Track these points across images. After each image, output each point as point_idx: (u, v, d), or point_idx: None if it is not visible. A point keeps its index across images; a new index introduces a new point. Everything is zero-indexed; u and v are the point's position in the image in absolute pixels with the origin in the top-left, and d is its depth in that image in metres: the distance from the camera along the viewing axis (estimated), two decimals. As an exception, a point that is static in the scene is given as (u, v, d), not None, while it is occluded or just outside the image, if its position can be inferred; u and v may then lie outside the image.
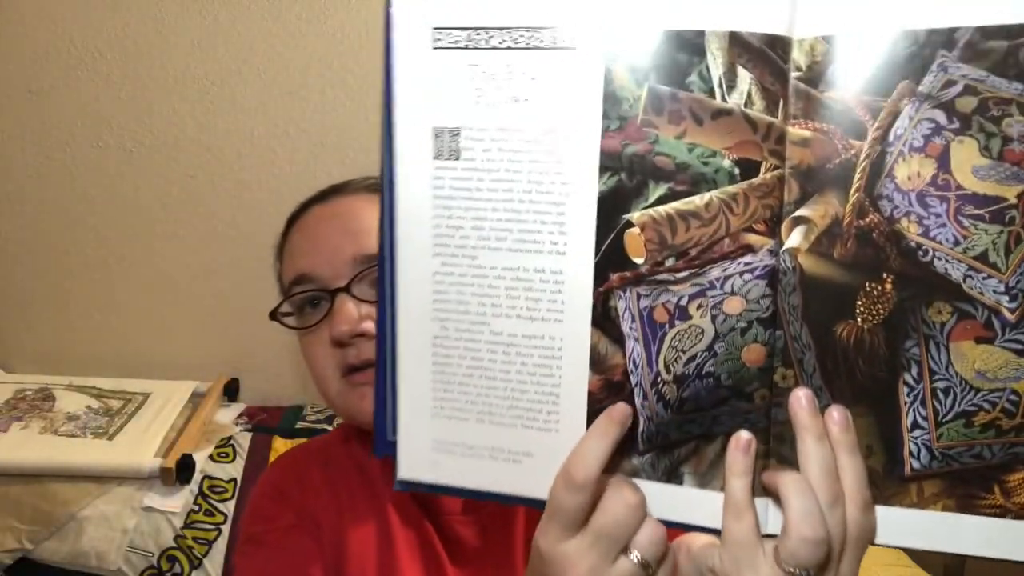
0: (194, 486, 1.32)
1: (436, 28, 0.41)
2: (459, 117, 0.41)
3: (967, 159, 0.36)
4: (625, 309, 0.42)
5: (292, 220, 0.68)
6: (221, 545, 1.27)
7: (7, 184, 1.59)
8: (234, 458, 1.38)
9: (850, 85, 0.38)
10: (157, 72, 1.54)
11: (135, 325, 1.64)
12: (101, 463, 1.27)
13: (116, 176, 1.59)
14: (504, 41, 0.40)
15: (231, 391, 1.60)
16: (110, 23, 1.52)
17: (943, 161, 0.37)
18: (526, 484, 0.43)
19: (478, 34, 0.40)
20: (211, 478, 1.33)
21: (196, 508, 1.29)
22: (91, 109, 1.56)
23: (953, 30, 0.36)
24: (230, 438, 1.41)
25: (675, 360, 0.41)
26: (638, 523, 0.40)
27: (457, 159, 0.42)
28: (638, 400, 0.42)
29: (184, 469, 1.30)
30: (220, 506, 1.30)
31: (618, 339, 0.42)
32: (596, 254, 0.41)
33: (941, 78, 0.36)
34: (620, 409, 0.41)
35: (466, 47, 0.41)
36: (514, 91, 0.41)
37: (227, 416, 1.49)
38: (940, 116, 0.37)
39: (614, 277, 0.41)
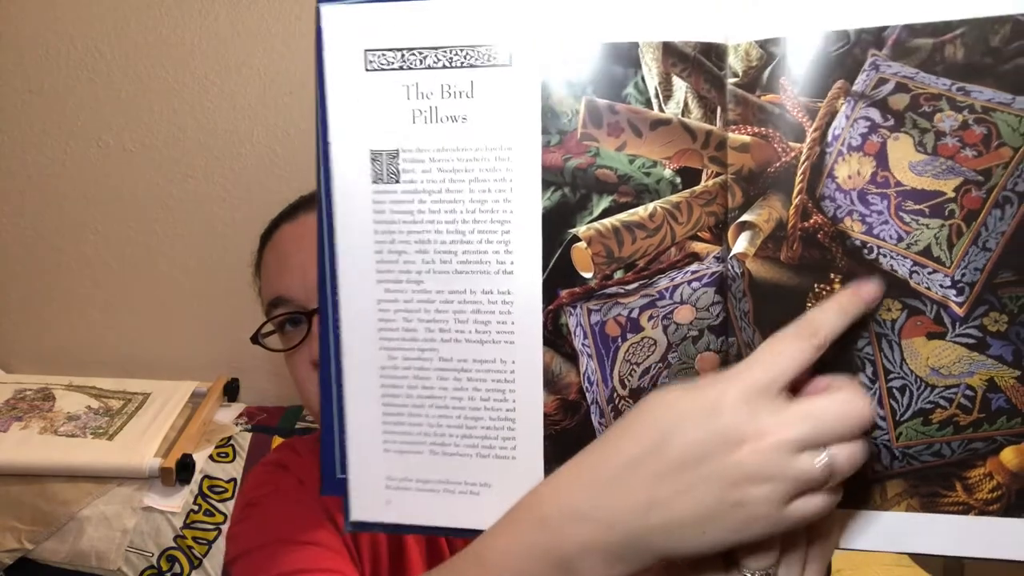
0: (194, 486, 1.31)
1: (368, 50, 0.40)
2: (397, 139, 0.40)
3: (904, 155, 0.36)
4: (576, 325, 0.41)
5: (264, 239, 0.68)
6: (221, 545, 1.27)
7: (7, 184, 1.59)
8: (234, 458, 1.38)
9: (786, 88, 0.38)
10: (157, 72, 1.54)
11: (135, 325, 1.64)
12: (101, 463, 1.26)
13: (116, 176, 1.59)
14: (439, 61, 0.40)
15: (231, 391, 1.60)
16: (110, 23, 1.52)
17: (881, 158, 0.37)
18: (485, 516, 0.41)
19: (412, 54, 0.40)
20: (211, 478, 1.33)
21: (196, 508, 1.29)
22: (91, 109, 1.56)
23: (882, 29, 0.36)
24: (230, 438, 1.41)
25: (630, 374, 0.40)
26: (851, 435, 0.33)
27: (397, 182, 0.41)
28: (595, 418, 0.41)
29: (184, 469, 1.30)
30: (220, 506, 1.30)
31: (571, 357, 0.41)
32: (544, 271, 0.40)
33: (873, 76, 0.37)
34: (870, 289, 0.36)
35: (400, 68, 0.40)
36: (451, 110, 0.40)
37: (227, 416, 1.49)
38: (875, 114, 0.37)
39: (563, 293, 0.40)
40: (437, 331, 0.41)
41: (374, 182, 0.41)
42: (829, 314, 0.35)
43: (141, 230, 1.60)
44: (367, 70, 0.40)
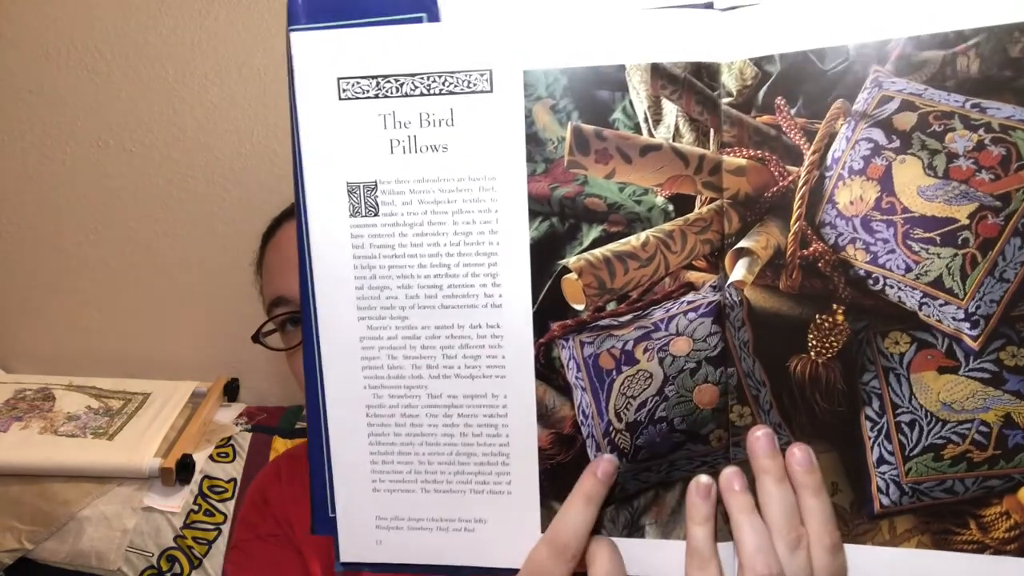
0: (194, 486, 1.32)
1: (342, 78, 0.38)
2: (374, 170, 0.39)
3: (911, 179, 0.34)
4: (569, 358, 0.39)
5: (266, 238, 0.67)
6: (221, 545, 1.27)
7: (7, 184, 1.58)
8: (234, 458, 1.38)
9: (782, 108, 0.36)
10: (157, 72, 1.53)
11: (135, 325, 1.64)
12: (101, 463, 1.27)
13: (116, 176, 1.59)
14: (416, 88, 0.38)
15: (231, 391, 1.60)
16: (110, 23, 1.52)
17: (886, 183, 0.34)
18: (482, 553, 0.40)
19: (387, 82, 0.38)
20: (211, 478, 1.34)
21: (196, 508, 1.30)
22: (91, 109, 1.56)
23: (884, 42, 0.34)
24: (230, 438, 1.41)
25: (626, 407, 0.39)
26: None
27: (376, 215, 0.39)
28: (591, 452, 0.40)
29: (184, 469, 1.30)
30: (220, 506, 1.30)
31: (564, 390, 0.40)
32: (534, 304, 0.39)
33: (876, 94, 0.34)
34: (604, 466, 0.38)
35: (376, 96, 0.38)
36: (431, 139, 0.38)
37: (227, 416, 1.48)
38: (878, 135, 0.34)
39: (555, 326, 0.39)
40: (424, 367, 0.40)
41: (351, 215, 0.39)
42: (575, 516, 0.37)
43: (141, 230, 1.59)
44: (341, 99, 0.38)
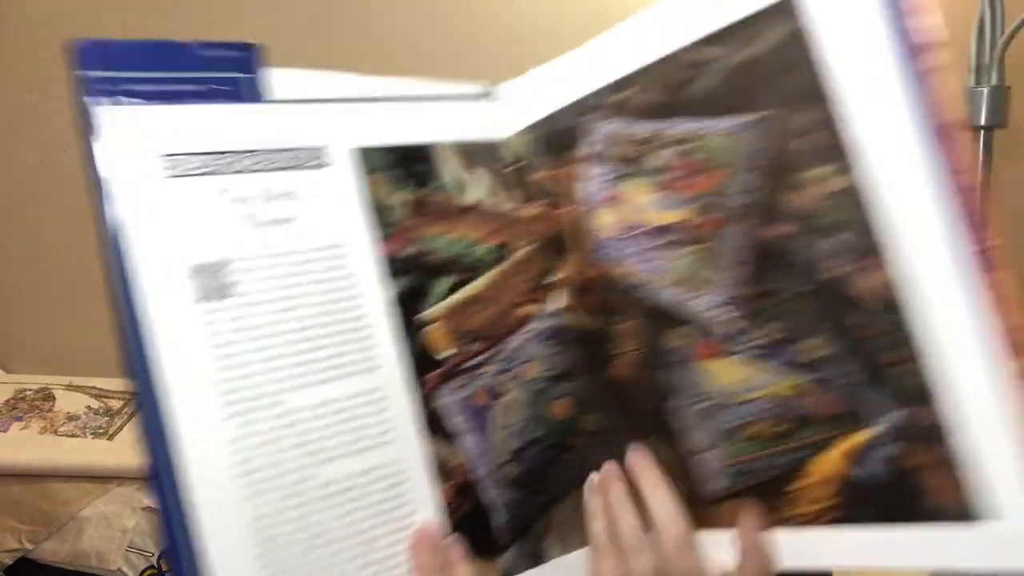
0: None
1: (167, 156, 0.35)
2: (219, 250, 0.35)
3: (642, 197, 0.45)
4: (449, 406, 0.40)
5: None
6: None
7: (7, 184, 1.52)
8: None
9: (539, 165, 0.45)
10: None
11: None
12: (101, 463, 1.24)
13: None
14: (253, 165, 0.37)
15: None
16: (110, 23, 1.46)
17: (625, 205, 0.45)
18: None
19: (222, 158, 0.36)
20: None
21: None
22: None
23: (583, 98, 0.44)
24: None
25: (508, 438, 0.41)
26: None
27: (229, 296, 0.35)
28: (487, 494, 0.40)
29: None
30: None
31: (451, 438, 0.40)
32: (406, 360, 0.39)
33: (589, 138, 0.44)
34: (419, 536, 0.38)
35: (211, 173, 0.36)
36: (275, 213, 0.37)
37: None
38: (604, 168, 0.45)
39: (429, 377, 0.40)
40: (310, 454, 0.36)
41: (199, 301, 0.35)
42: None
43: (142, 231, 1.26)
44: (170, 177, 0.35)
